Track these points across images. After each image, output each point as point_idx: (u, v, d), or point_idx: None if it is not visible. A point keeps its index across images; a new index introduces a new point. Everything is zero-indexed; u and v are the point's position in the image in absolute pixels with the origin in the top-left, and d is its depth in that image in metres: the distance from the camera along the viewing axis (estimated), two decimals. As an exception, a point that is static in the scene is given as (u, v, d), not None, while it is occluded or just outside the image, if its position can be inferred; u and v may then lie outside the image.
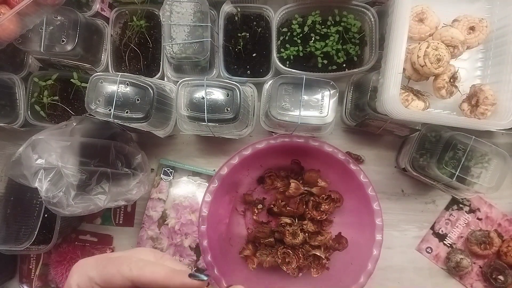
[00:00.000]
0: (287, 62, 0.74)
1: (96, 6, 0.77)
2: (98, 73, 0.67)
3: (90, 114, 0.67)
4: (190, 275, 0.35)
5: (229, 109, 0.66)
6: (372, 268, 0.66)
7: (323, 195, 0.73)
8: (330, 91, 0.67)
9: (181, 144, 0.83)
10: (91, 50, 0.78)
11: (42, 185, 0.62)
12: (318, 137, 0.72)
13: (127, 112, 0.66)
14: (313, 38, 0.72)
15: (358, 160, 0.80)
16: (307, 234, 0.71)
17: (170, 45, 0.69)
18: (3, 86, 0.75)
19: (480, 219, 0.80)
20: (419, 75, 0.63)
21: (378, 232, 0.68)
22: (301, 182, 0.74)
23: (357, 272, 0.67)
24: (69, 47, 0.72)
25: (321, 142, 0.69)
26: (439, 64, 0.61)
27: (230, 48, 0.76)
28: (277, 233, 0.72)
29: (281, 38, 0.74)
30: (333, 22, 0.73)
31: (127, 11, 0.79)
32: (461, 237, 0.80)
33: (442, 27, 0.65)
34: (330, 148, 0.69)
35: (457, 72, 0.63)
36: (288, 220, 0.71)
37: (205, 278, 0.36)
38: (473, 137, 0.66)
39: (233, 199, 0.76)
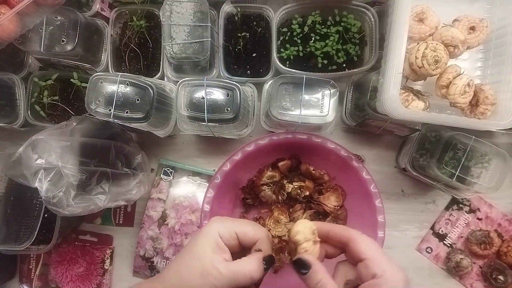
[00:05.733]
0: (287, 62, 0.74)
1: (96, 6, 0.77)
2: (98, 73, 0.67)
3: (90, 114, 0.67)
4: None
5: (229, 109, 0.66)
6: None
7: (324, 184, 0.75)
8: (330, 90, 0.67)
9: (181, 144, 0.83)
10: (91, 50, 0.78)
11: (42, 185, 0.61)
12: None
13: (127, 112, 0.66)
14: (313, 38, 0.72)
15: (358, 160, 0.80)
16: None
17: (170, 45, 0.69)
18: (3, 86, 0.75)
19: (480, 219, 0.80)
20: (416, 75, 0.63)
21: (380, 229, 0.68)
22: (299, 173, 0.76)
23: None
24: (69, 47, 0.72)
25: (324, 138, 0.69)
26: (436, 65, 0.61)
27: (230, 48, 0.76)
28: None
29: (281, 38, 0.74)
30: (333, 22, 0.73)
31: (127, 11, 0.79)
32: (461, 237, 0.80)
33: (442, 27, 0.65)
34: (333, 144, 0.69)
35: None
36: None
37: None
38: (473, 137, 0.66)
39: (233, 200, 0.76)
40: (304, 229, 0.46)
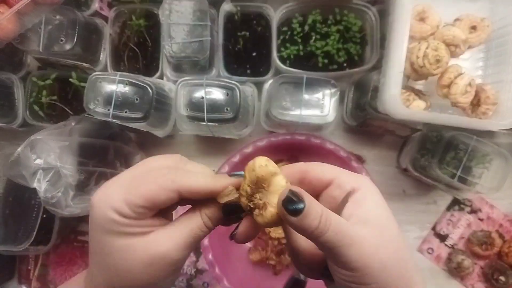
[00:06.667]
0: (288, 62, 0.73)
1: (95, 5, 0.77)
2: (97, 73, 0.67)
3: (88, 114, 0.67)
4: (231, 175, 0.35)
5: (228, 108, 0.66)
6: None
7: None
8: (331, 90, 0.66)
9: (180, 144, 0.82)
10: (90, 49, 0.77)
11: (40, 185, 0.61)
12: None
13: (126, 112, 0.66)
14: (313, 37, 0.72)
15: (359, 160, 0.80)
16: None
17: (170, 44, 0.69)
18: (1, 86, 0.75)
19: (481, 220, 0.79)
20: (418, 74, 0.63)
21: None
22: None
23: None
24: (68, 47, 0.71)
25: (322, 139, 0.69)
26: (438, 65, 0.61)
27: (230, 47, 0.76)
28: None
29: (281, 37, 0.74)
30: (333, 21, 0.73)
31: (126, 10, 0.78)
32: (463, 237, 0.79)
33: (444, 26, 0.65)
34: (332, 145, 0.69)
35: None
36: None
37: (243, 173, 0.35)
38: (475, 137, 0.66)
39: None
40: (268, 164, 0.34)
